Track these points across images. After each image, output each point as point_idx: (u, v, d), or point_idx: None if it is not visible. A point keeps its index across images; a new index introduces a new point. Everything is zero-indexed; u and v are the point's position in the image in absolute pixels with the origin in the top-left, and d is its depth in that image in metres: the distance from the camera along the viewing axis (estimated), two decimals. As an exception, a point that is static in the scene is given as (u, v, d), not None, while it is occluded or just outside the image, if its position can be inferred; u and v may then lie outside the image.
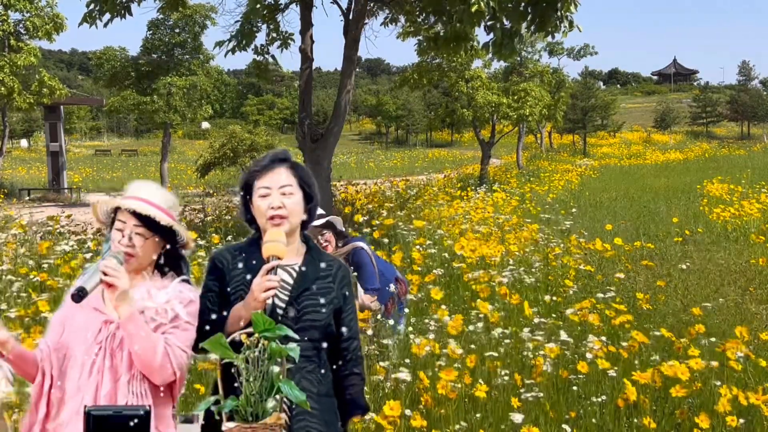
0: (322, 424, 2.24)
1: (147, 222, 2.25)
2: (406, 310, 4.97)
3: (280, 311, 2.25)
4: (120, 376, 2.18)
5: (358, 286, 4.39)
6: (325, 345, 2.30)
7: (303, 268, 2.32)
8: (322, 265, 2.35)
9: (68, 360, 2.18)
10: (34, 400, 2.20)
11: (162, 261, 2.32)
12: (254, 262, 2.24)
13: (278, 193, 2.30)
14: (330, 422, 2.28)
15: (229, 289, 2.30)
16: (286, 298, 2.27)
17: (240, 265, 2.31)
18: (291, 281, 2.29)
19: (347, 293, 2.38)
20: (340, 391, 2.36)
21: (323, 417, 2.25)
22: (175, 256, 2.34)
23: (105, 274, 2.11)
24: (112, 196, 2.34)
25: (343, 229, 4.56)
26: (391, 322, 4.71)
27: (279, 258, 2.18)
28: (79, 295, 2.06)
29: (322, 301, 2.28)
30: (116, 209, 2.28)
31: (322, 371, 2.29)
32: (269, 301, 2.15)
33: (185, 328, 2.24)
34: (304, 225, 2.40)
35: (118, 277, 2.11)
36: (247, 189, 2.36)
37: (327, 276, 2.34)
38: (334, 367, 2.36)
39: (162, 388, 2.24)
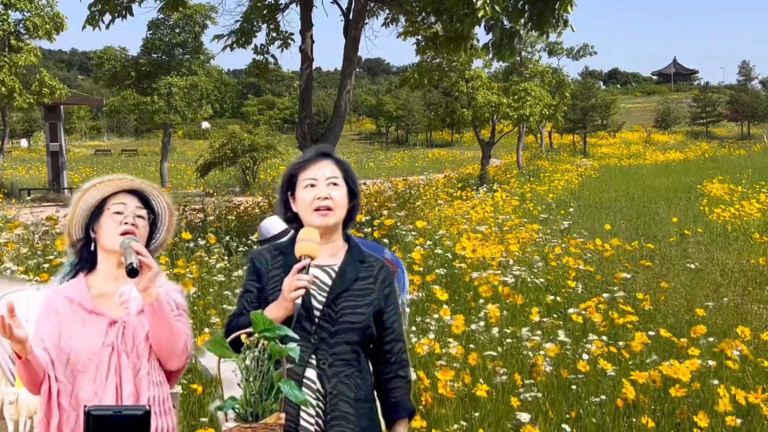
0: (358, 429, 2.17)
1: (147, 205, 2.28)
2: (408, 309, 4.92)
3: (317, 312, 2.19)
4: (139, 370, 2.18)
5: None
6: (364, 347, 2.24)
7: (343, 268, 2.26)
8: (363, 265, 2.29)
9: (73, 366, 2.16)
10: (44, 410, 2.17)
11: None
12: (293, 261, 2.17)
13: (325, 184, 2.26)
14: (366, 428, 2.21)
15: (267, 288, 2.25)
16: (324, 299, 2.21)
17: (279, 264, 2.25)
18: (330, 282, 2.23)
19: (389, 294, 2.31)
20: (384, 394, 2.29)
21: (360, 423, 2.18)
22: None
23: (137, 253, 2.08)
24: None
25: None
26: None
27: (311, 257, 2.13)
28: (134, 269, 2.04)
29: (361, 302, 2.22)
30: (104, 201, 2.26)
31: (361, 375, 2.22)
32: (299, 301, 2.10)
33: (185, 317, 2.27)
34: (346, 223, 2.35)
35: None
36: (290, 183, 2.32)
37: (368, 277, 2.27)
38: (379, 369, 2.30)
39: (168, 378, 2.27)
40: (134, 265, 2.04)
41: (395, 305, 2.34)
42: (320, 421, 2.16)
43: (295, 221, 2.32)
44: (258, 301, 2.25)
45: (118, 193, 2.26)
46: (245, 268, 2.41)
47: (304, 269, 2.11)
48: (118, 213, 2.23)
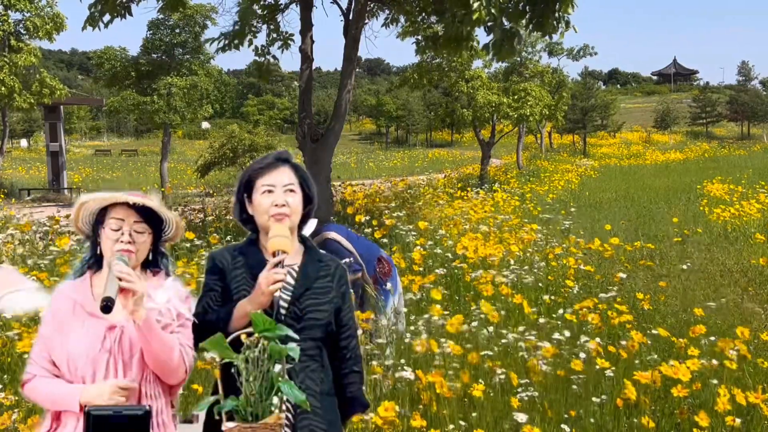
0: (325, 423, 2.26)
1: (146, 216, 2.25)
2: (399, 308, 4.95)
3: (283, 311, 2.26)
4: (132, 380, 2.16)
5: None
6: (326, 344, 2.32)
7: (304, 268, 2.34)
8: (321, 264, 2.38)
9: (73, 370, 2.15)
10: (51, 417, 2.19)
11: (150, 258, 2.31)
12: (254, 261, 2.27)
13: (282, 191, 2.31)
14: (332, 421, 2.30)
15: (231, 288, 2.30)
16: (288, 298, 2.28)
17: (240, 264, 2.32)
18: (292, 281, 2.30)
19: (345, 292, 2.40)
20: (340, 389, 2.38)
21: (326, 416, 2.27)
22: (158, 253, 2.34)
23: (120, 279, 2.06)
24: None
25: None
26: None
27: (285, 252, 2.19)
28: (108, 306, 2.01)
29: (323, 299, 2.31)
30: (104, 210, 2.23)
31: (324, 370, 2.31)
32: (276, 294, 2.16)
33: (188, 326, 2.25)
34: (300, 226, 2.41)
35: (134, 281, 2.08)
36: (248, 187, 2.37)
37: (326, 275, 2.36)
38: (334, 365, 2.38)
39: (168, 389, 2.25)
40: (108, 303, 2.00)
41: (351, 302, 2.44)
42: (290, 416, 2.21)
43: (250, 222, 2.37)
44: (222, 300, 2.31)
45: (118, 206, 2.23)
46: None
47: (280, 263, 2.16)
48: (115, 230, 2.21)
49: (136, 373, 2.16)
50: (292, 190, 2.33)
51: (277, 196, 2.31)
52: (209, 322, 2.23)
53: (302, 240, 2.42)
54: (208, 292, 2.34)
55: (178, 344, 2.17)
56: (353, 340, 2.41)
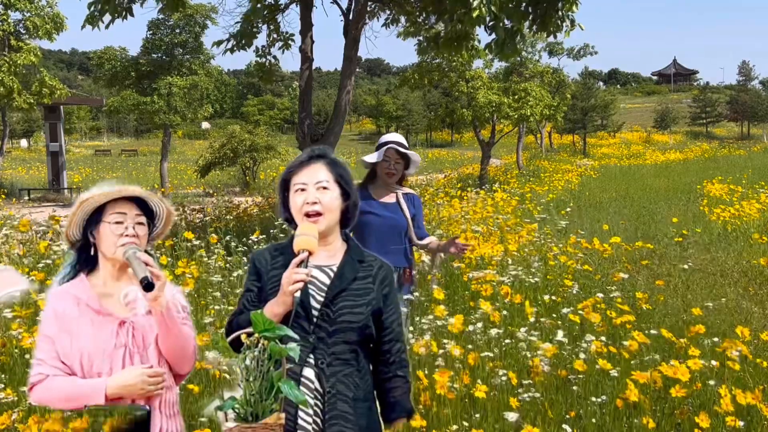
0: (356, 429, 2.19)
1: (146, 211, 2.28)
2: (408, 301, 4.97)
3: (315, 312, 2.21)
4: None
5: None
6: (362, 347, 2.26)
7: (342, 268, 2.27)
8: (362, 264, 2.30)
9: (88, 368, 2.15)
10: None
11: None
12: (292, 260, 2.20)
13: (314, 189, 2.27)
14: (365, 427, 2.22)
15: (266, 288, 2.27)
16: (322, 299, 2.22)
17: (279, 264, 2.27)
18: (328, 282, 2.25)
19: (388, 294, 2.31)
20: (383, 394, 2.31)
21: (358, 422, 2.20)
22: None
23: (146, 264, 2.09)
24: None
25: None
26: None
27: (310, 252, 2.15)
28: (151, 284, 2.05)
29: (360, 302, 2.24)
30: (102, 207, 2.24)
31: (360, 374, 2.24)
32: (297, 295, 2.12)
33: (189, 319, 2.29)
34: (345, 223, 2.36)
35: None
36: (285, 186, 2.34)
37: (366, 276, 2.28)
38: (378, 369, 2.32)
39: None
40: (149, 279, 2.04)
41: (395, 305, 2.34)
42: (318, 421, 2.17)
43: (294, 221, 2.34)
44: (258, 300, 2.27)
45: (117, 201, 2.25)
46: (246, 268, 2.44)
47: (303, 263, 2.13)
48: (118, 223, 2.22)
49: (153, 364, 2.17)
50: (325, 188, 2.27)
51: (309, 193, 2.26)
52: (240, 323, 2.19)
53: (345, 238, 2.36)
54: (245, 293, 2.32)
55: (191, 333, 2.20)
56: (396, 344, 2.32)
